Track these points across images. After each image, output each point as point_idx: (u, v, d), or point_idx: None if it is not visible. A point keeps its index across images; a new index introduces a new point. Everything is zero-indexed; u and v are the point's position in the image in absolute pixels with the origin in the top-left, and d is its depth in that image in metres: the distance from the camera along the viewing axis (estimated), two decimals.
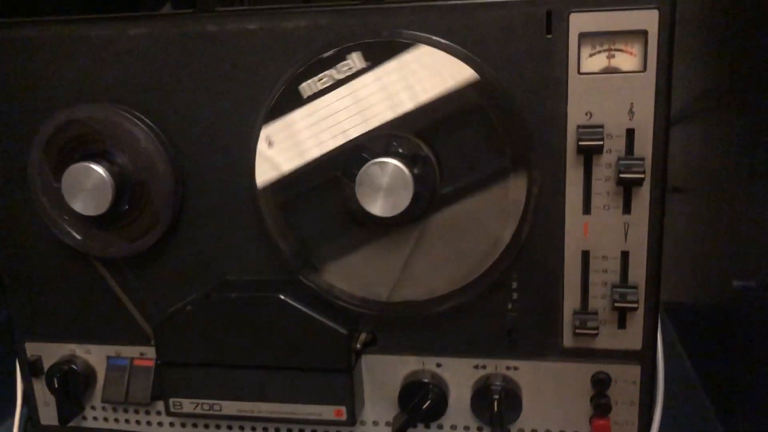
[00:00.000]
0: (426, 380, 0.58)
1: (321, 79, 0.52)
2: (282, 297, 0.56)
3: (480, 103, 0.51)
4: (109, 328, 0.62)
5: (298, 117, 0.53)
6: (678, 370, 0.73)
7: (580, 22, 0.49)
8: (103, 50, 0.55)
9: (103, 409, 0.65)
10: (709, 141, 0.71)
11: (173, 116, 0.56)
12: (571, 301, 0.55)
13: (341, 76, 0.52)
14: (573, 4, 0.49)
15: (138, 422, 0.64)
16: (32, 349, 0.64)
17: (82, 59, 0.56)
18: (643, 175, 0.50)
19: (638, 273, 0.53)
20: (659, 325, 0.55)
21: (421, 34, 0.51)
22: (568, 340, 0.56)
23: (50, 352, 0.64)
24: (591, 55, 0.50)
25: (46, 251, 0.61)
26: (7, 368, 0.66)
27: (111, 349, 0.63)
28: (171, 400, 0.59)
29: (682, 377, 0.72)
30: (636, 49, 0.49)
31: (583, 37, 0.50)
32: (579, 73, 0.50)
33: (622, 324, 0.55)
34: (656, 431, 0.56)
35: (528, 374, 0.57)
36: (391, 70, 0.51)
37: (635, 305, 0.53)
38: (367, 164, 0.50)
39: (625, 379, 0.56)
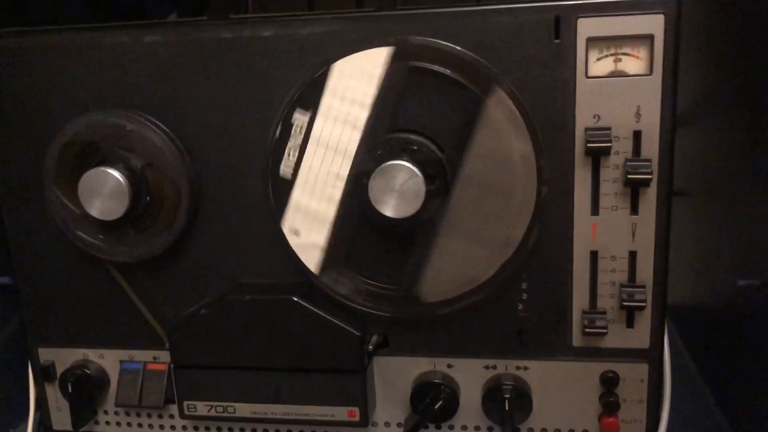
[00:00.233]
0: (437, 381, 0.58)
1: (289, 156, 0.54)
2: (295, 299, 0.56)
3: (412, 66, 0.52)
4: (121, 333, 0.63)
5: (298, 195, 0.55)
6: (682, 370, 0.74)
7: (587, 27, 0.51)
8: (119, 57, 0.56)
9: (116, 413, 0.65)
10: (711, 142, 0.72)
11: (188, 122, 0.57)
12: (579, 300, 0.55)
13: (300, 139, 0.54)
14: (581, 9, 0.50)
15: (151, 426, 0.65)
16: (45, 354, 0.64)
17: (97, 66, 0.57)
18: (650, 176, 0.51)
19: (646, 272, 0.54)
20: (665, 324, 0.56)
21: (431, 39, 0.52)
22: (577, 340, 0.56)
23: (63, 357, 0.64)
24: (598, 59, 0.51)
25: (59, 256, 0.61)
26: (20, 374, 0.66)
27: (124, 354, 0.63)
28: (185, 403, 0.60)
29: (686, 376, 0.73)
30: (642, 53, 0.51)
31: (591, 41, 0.51)
32: (587, 76, 0.51)
33: (630, 323, 0.55)
34: (664, 428, 0.57)
35: (538, 374, 0.58)
36: (329, 102, 0.53)
37: (643, 304, 0.54)
38: (373, 173, 0.51)
39: (633, 377, 0.56)
